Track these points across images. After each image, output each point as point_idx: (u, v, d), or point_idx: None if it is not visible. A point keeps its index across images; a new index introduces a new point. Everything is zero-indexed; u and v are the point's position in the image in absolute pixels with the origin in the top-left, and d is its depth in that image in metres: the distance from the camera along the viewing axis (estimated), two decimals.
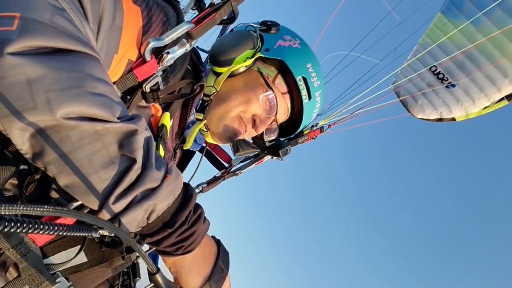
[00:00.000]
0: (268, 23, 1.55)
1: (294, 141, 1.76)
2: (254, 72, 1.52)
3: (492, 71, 2.87)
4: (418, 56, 3.06)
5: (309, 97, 1.53)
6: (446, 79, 3.02)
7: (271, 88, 1.50)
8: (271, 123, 1.53)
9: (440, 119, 3.21)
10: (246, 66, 1.48)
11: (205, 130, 1.50)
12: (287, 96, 1.56)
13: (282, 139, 1.74)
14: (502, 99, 2.94)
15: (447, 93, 3.07)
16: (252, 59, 1.47)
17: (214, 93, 1.44)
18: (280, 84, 1.55)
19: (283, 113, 1.57)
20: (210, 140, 1.54)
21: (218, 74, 1.46)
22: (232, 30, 1.63)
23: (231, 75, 1.47)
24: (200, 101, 1.46)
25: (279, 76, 1.55)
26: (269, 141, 1.66)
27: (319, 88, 1.57)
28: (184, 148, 1.47)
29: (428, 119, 3.23)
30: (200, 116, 1.44)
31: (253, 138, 1.69)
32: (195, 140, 1.49)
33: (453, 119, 3.17)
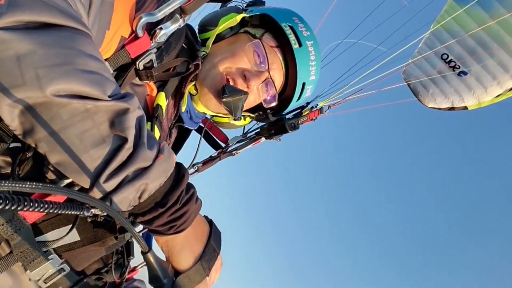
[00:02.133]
0: (256, 1, 1.58)
1: (295, 120, 1.73)
2: (241, 34, 1.52)
3: (505, 58, 2.80)
4: (428, 43, 3.00)
5: (299, 44, 1.47)
6: (457, 67, 2.96)
7: (257, 38, 1.47)
8: (265, 80, 1.47)
9: (452, 108, 3.15)
10: (231, 27, 1.49)
11: (195, 92, 1.47)
12: (278, 50, 1.50)
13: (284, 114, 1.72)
14: None
15: (459, 81, 3.01)
16: (238, 20, 1.49)
17: (203, 55, 1.42)
18: (268, 39, 1.51)
19: (277, 69, 1.49)
20: (201, 108, 1.51)
21: (206, 41, 1.46)
22: None
23: (219, 39, 1.48)
24: None
25: (267, 33, 1.53)
26: (272, 115, 1.64)
27: (311, 39, 1.51)
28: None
29: (439, 108, 3.17)
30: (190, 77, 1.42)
31: (255, 113, 1.67)
32: (191, 117, 1.50)
33: (465, 107, 3.10)
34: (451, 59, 2.98)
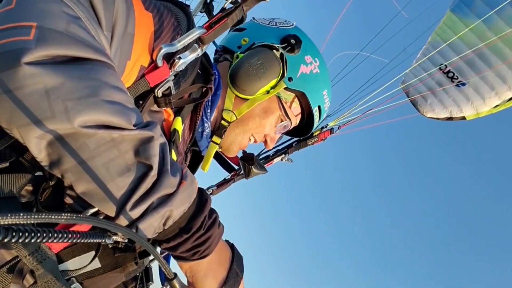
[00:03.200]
0: (292, 41, 1.44)
1: (304, 142, 1.75)
2: (273, 97, 1.48)
3: (503, 70, 2.84)
4: (428, 55, 3.03)
5: (319, 118, 1.60)
6: (456, 77, 2.99)
7: (288, 118, 1.53)
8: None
9: (450, 118, 3.18)
10: (267, 93, 1.46)
11: (219, 149, 1.54)
12: (299, 116, 1.60)
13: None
14: None
15: (457, 92, 3.04)
16: (276, 89, 1.45)
17: (234, 120, 1.45)
18: (295, 107, 1.55)
19: (294, 125, 1.61)
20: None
21: (238, 97, 1.44)
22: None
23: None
24: (214, 116, 1.46)
25: (295, 100, 1.54)
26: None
27: (328, 101, 1.63)
28: (203, 170, 1.54)
29: (438, 118, 3.20)
30: (218, 140, 1.45)
31: None
32: (202, 135, 1.51)
33: (463, 118, 3.14)
34: (450, 70, 3.02)
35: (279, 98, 1.49)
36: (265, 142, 1.54)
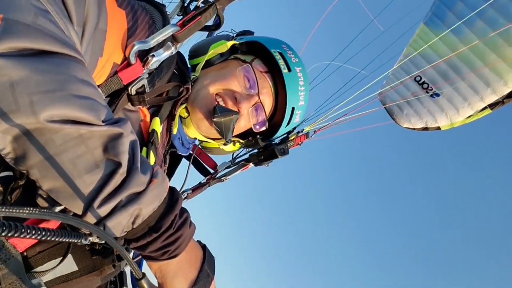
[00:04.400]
0: (245, 31, 1.62)
1: (284, 145, 1.75)
2: (231, 60, 1.53)
3: (475, 81, 2.92)
4: (402, 66, 3.10)
5: (289, 69, 1.50)
6: (430, 88, 3.07)
7: (248, 63, 1.49)
8: (255, 104, 1.48)
9: (426, 128, 3.25)
10: (221, 54, 1.50)
11: (187, 115, 1.47)
12: (267, 75, 1.52)
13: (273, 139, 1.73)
14: (485, 108, 2.99)
15: (432, 103, 3.11)
16: (228, 46, 1.51)
17: (193, 78, 1.42)
18: (258, 65, 1.52)
19: (266, 94, 1.51)
20: (192, 132, 1.50)
21: (196, 67, 1.47)
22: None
23: (209, 65, 1.49)
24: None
25: (257, 59, 1.54)
26: (262, 140, 1.63)
27: (299, 65, 1.54)
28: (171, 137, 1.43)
29: (413, 128, 3.27)
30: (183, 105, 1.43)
31: (245, 139, 1.67)
32: (182, 144, 1.48)
33: (438, 128, 3.21)
34: (424, 81, 3.09)
35: (237, 59, 1.53)
36: (236, 101, 1.43)
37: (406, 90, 3.15)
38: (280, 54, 1.50)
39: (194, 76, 1.43)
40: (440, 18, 2.97)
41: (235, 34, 1.62)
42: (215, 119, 1.36)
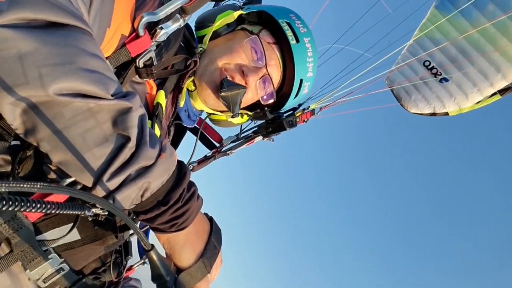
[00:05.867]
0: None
1: (292, 117, 1.75)
2: (239, 31, 1.52)
3: (485, 66, 2.90)
4: (412, 50, 3.08)
5: (297, 40, 1.47)
6: (439, 73, 3.05)
7: (255, 34, 1.47)
8: (263, 77, 1.46)
9: (434, 114, 3.23)
10: (228, 24, 1.49)
11: (194, 88, 1.46)
12: (275, 47, 1.50)
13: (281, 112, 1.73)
14: (494, 93, 2.97)
15: (441, 88, 3.10)
16: (235, 17, 1.50)
17: (201, 51, 1.42)
18: (265, 35, 1.51)
19: (274, 66, 1.49)
20: (199, 104, 1.50)
21: (203, 38, 1.46)
22: None
23: (216, 36, 1.47)
24: None
25: (264, 29, 1.53)
26: (270, 113, 1.63)
27: (308, 35, 1.51)
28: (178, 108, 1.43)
29: (421, 114, 3.25)
30: (191, 78, 1.43)
31: (253, 111, 1.67)
32: (188, 115, 1.49)
33: (446, 113, 3.20)
34: (433, 66, 3.07)
35: (244, 29, 1.52)
36: (243, 74, 1.42)
37: (415, 74, 3.13)
38: (288, 24, 1.48)
39: (201, 48, 1.42)
40: (451, 1, 2.93)
41: (242, 3, 1.60)
42: (222, 94, 1.36)
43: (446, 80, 3.04)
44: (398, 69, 3.16)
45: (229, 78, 1.39)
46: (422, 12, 3.04)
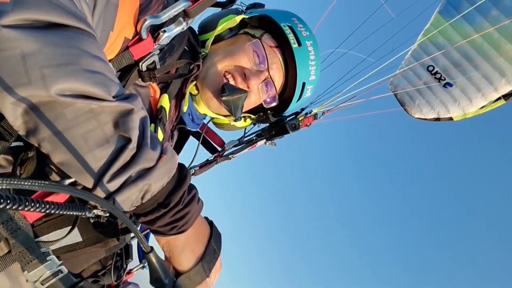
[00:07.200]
0: (256, 4, 1.61)
1: (295, 120, 1.74)
2: (241, 35, 1.53)
3: (489, 71, 2.88)
4: (415, 56, 3.07)
5: (299, 43, 1.48)
6: (443, 78, 3.04)
7: (257, 38, 1.48)
8: (265, 80, 1.47)
9: (438, 119, 3.21)
10: (230, 29, 1.49)
11: (197, 92, 1.46)
12: (277, 50, 1.51)
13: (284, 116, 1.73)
14: (499, 98, 2.95)
15: (445, 93, 3.08)
16: (237, 21, 1.50)
17: (203, 55, 1.42)
18: (267, 39, 1.51)
19: (276, 69, 1.50)
20: (202, 108, 1.50)
21: (206, 42, 1.46)
22: None
23: (219, 40, 1.48)
24: None
25: (266, 33, 1.53)
26: (273, 115, 1.63)
27: (310, 38, 1.51)
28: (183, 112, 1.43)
29: (425, 119, 3.24)
30: (193, 83, 1.43)
31: (255, 114, 1.66)
32: (192, 119, 1.49)
33: (451, 118, 3.17)
34: (437, 71, 3.05)
35: (247, 33, 1.52)
36: (245, 77, 1.42)
37: (419, 79, 3.11)
38: (290, 27, 1.49)
39: (204, 53, 1.43)
40: (455, 7, 2.93)
41: (244, 8, 1.60)
42: (223, 98, 1.36)
43: (450, 85, 3.03)
44: (401, 73, 3.15)
45: (231, 81, 1.40)
46: (426, 17, 3.03)
